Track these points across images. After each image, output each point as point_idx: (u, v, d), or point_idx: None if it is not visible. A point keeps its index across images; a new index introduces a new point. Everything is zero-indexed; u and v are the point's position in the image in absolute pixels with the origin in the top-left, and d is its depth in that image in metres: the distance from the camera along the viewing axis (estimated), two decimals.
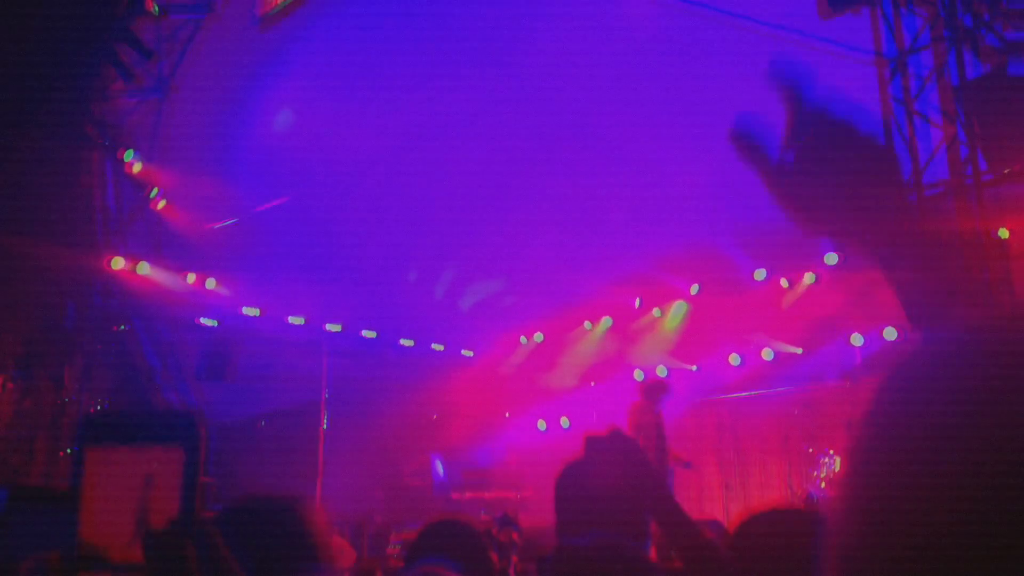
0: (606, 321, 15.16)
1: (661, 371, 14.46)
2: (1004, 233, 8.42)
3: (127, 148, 11.52)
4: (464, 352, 16.06)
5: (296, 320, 13.35)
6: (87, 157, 11.48)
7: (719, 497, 12.81)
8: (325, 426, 13.03)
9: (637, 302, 14.70)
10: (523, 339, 16.01)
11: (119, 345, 12.12)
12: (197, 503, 1.54)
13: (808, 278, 12.76)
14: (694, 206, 12.28)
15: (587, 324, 15.35)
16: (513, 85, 11.53)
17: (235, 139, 11.63)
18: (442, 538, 2.83)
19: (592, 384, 15.40)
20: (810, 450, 11.61)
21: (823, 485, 10.97)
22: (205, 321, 12.64)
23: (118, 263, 11.49)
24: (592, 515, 2.42)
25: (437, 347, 15.66)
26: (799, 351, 12.82)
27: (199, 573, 1.47)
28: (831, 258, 12.31)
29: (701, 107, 11.28)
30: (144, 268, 11.71)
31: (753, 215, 11.99)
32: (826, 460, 11.05)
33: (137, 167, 11.65)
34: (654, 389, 10.27)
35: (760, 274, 13.14)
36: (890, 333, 11.53)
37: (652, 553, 2.77)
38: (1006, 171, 8.05)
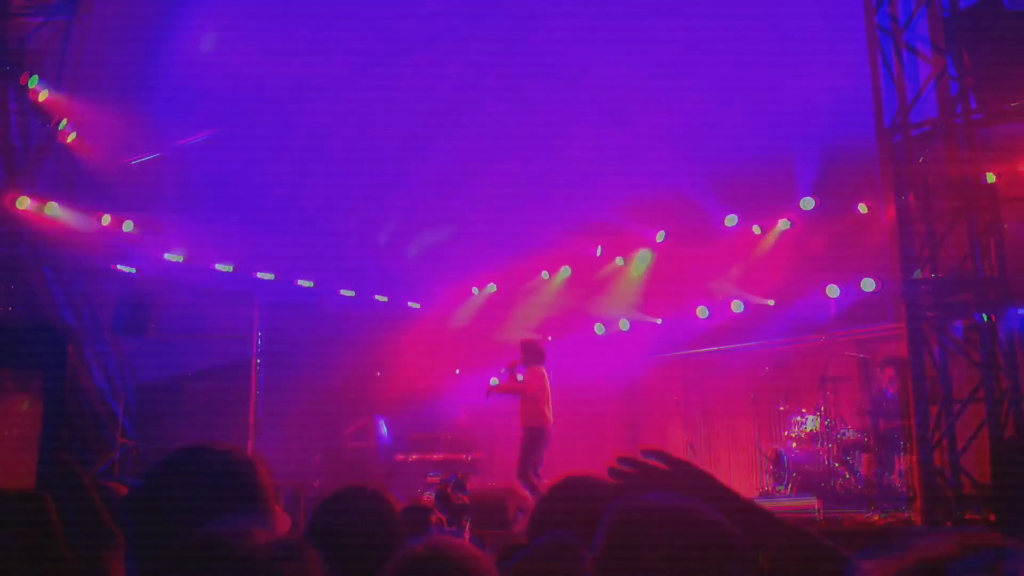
0: (565, 271, 15.10)
1: (624, 325, 14.46)
2: (991, 177, 8.42)
3: (32, 74, 11.05)
4: (411, 304, 15.91)
5: (224, 268, 13.03)
6: None
7: (683, 457, 12.91)
8: (257, 385, 12.84)
9: (598, 251, 14.65)
10: (475, 290, 15.89)
11: (27, 297, 11.75)
12: (62, 447, 1.32)
13: (782, 224, 12.78)
14: (660, 146, 12.18)
15: (544, 274, 15.28)
16: (464, 11, 11.26)
17: (155, 65, 11.20)
18: (345, 512, 2.73)
19: (549, 339, 15.34)
20: (781, 408, 11.70)
21: (794, 445, 11.07)
22: (122, 268, 12.28)
23: (24, 203, 11.07)
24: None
25: (381, 298, 15.47)
26: (771, 303, 12.88)
27: (64, 539, 1.25)
28: (807, 203, 12.33)
29: (667, 41, 11.15)
30: (53, 209, 11.31)
31: (724, 156, 11.98)
32: (798, 419, 11.14)
33: (43, 95, 11.19)
34: (541, 352, 10.98)
35: (731, 220, 13.14)
36: (868, 284, 11.61)
37: None
38: (1004, 108, 8.02)
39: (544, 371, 10.82)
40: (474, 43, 11.51)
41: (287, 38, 11.05)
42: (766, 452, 11.56)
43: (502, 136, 12.19)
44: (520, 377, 10.98)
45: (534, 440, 10.41)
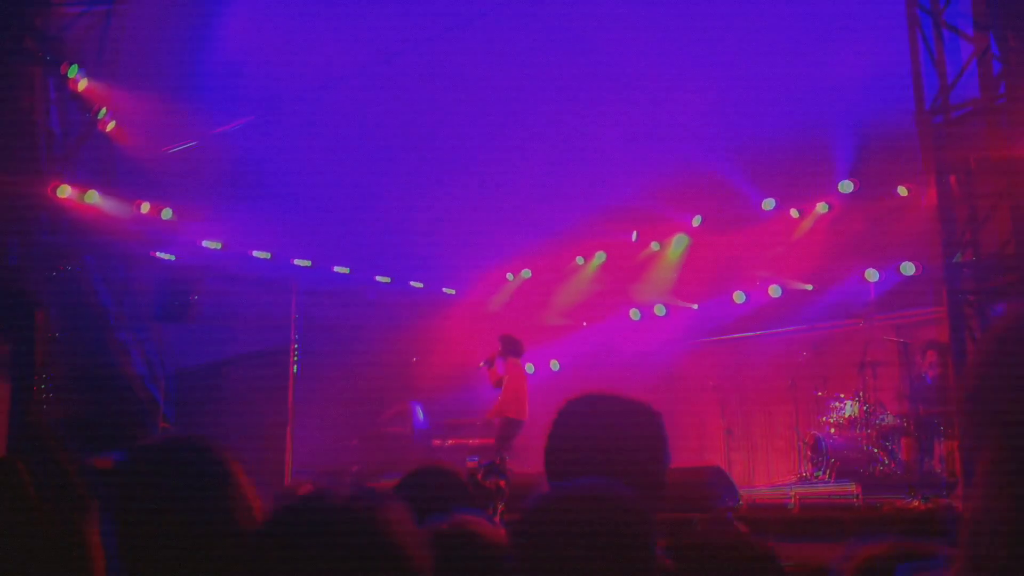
0: (600, 256, 15.11)
1: (660, 310, 14.47)
2: None
3: (71, 63, 11.21)
4: (446, 290, 16.00)
5: (262, 255, 13.19)
6: (27, 74, 11.17)
7: (720, 443, 12.92)
8: (295, 371, 13.00)
9: (634, 236, 14.64)
10: (509, 276, 15.95)
11: (69, 284, 11.96)
12: (32, 411, 1.30)
13: (820, 208, 12.72)
14: (696, 130, 12.15)
15: (579, 260, 15.30)
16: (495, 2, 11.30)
17: (193, 53, 11.34)
18: (424, 487, 2.81)
19: (584, 324, 15.41)
20: (819, 394, 11.67)
21: (833, 431, 11.05)
22: (162, 255, 12.47)
23: (65, 192, 11.25)
24: (587, 464, 2.37)
25: (416, 284, 15.58)
26: (809, 288, 12.84)
27: (38, 505, 1.25)
28: (846, 186, 12.26)
29: (703, 21, 11.10)
30: (93, 197, 11.49)
31: (761, 140, 11.93)
32: (836, 405, 11.11)
33: (83, 85, 11.36)
34: (520, 346, 11.35)
35: (768, 204, 13.09)
36: (908, 268, 11.54)
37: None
38: None
39: (522, 364, 11.17)
40: (507, 26, 11.53)
41: (323, 23, 11.14)
42: (804, 438, 11.55)
43: (536, 120, 12.22)
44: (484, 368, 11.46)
45: (511, 429, 10.67)
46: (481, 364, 11.57)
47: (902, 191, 11.61)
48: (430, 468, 2.98)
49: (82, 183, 11.56)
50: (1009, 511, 0.75)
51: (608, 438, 2.34)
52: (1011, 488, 0.76)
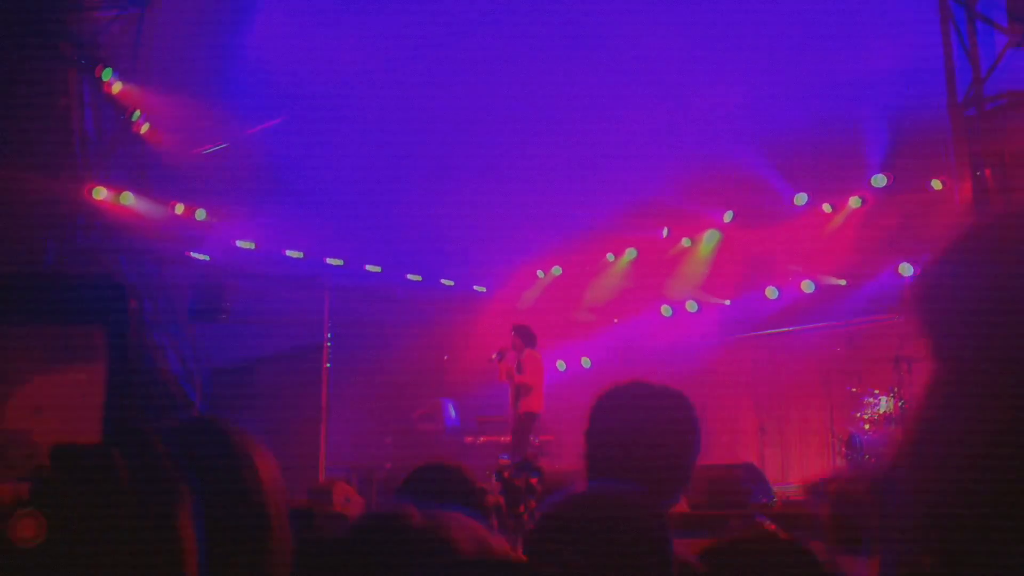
0: (631, 253, 15.09)
1: (691, 306, 14.44)
2: None
3: (105, 67, 11.37)
4: (476, 288, 16.05)
5: (294, 254, 13.33)
6: (62, 77, 11.35)
7: (754, 440, 12.88)
8: (328, 369, 13.09)
9: (665, 232, 14.61)
10: (540, 273, 15.98)
11: None
12: (127, 401, 1.29)
13: (853, 202, 12.64)
14: (727, 125, 12.12)
15: (610, 256, 15.29)
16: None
17: (224, 54, 11.47)
18: (427, 484, 2.83)
19: (615, 321, 15.41)
20: (853, 390, 11.60)
21: (867, 427, 10.99)
22: (195, 255, 12.63)
23: (100, 193, 11.42)
24: (622, 461, 2.42)
25: (447, 282, 15.65)
26: (842, 283, 12.76)
27: (132, 494, 1.24)
28: (878, 180, 12.18)
29: (733, 13, 11.06)
30: (128, 198, 11.66)
31: (792, 134, 11.86)
32: (871, 401, 11.05)
33: (117, 87, 11.52)
34: (535, 336, 11.04)
35: (800, 199, 13.02)
36: None
37: (684, 505, 2.81)
38: None
39: (539, 354, 10.89)
40: (537, 21, 11.55)
41: (353, 22, 11.22)
42: (839, 434, 11.49)
43: (567, 117, 12.24)
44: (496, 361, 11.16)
45: (534, 423, 10.50)
46: (493, 356, 11.33)
47: (936, 185, 11.50)
48: (434, 465, 2.99)
49: (117, 184, 11.73)
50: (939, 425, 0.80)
51: (644, 424, 2.40)
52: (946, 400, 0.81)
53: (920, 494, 0.75)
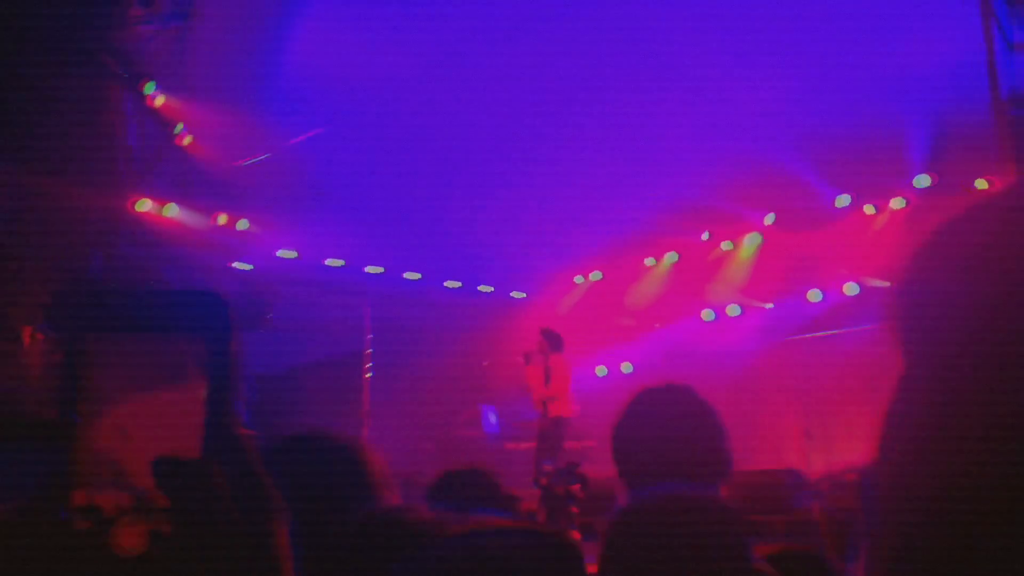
0: (671, 257, 15.04)
1: (733, 310, 14.35)
2: None
3: (148, 80, 11.56)
4: (514, 294, 16.09)
5: (335, 263, 13.45)
6: (106, 91, 11.54)
7: (799, 446, 12.77)
8: (369, 376, 13.19)
9: (705, 235, 14.55)
10: (579, 278, 15.98)
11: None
12: (227, 414, 1.29)
13: (896, 203, 12.51)
14: (766, 126, 12.05)
15: (650, 260, 15.25)
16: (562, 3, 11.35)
17: (265, 66, 11.61)
18: (456, 488, 2.87)
19: (656, 326, 15.36)
20: None
21: None
22: (239, 265, 12.79)
23: (144, 205, 11.61)
24: (657, 463, 2.45)
25: (485, 289, 15.70)
26: (886, 284, 12.61)
27: (231, 506, 1.28)
28: (922, 180, 12.04)
29: (772, 8, 10.98)
30: (172, 210, 11.83)
31: (833, 133, 11.77)
32: None
33: (159, 101, 11.70)
34: (562, 339, 10.87)
35: (842, 200, 12.90)
36: None
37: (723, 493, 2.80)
38: None
39: (566, 359, 10.78)
40: (572, 24, 11.56)
41: (392, 31, 11.30)
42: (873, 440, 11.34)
43: (604, 120, 12.23)
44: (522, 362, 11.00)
45: (564, 429, 10.42)
46: (521, 357, 11.18)
47: (981, 184, 11.35)
48: (464, 470, 3.03)
49: (160, 196, 11.91)
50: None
51: (661, 424, 2.44)
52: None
53: (891, 492, 0.78)
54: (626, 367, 15.21)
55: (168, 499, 1.26)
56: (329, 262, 13.43)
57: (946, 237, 0.91)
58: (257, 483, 1.33)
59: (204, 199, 12.35)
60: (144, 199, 11.67)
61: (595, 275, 15.81)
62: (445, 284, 15.19)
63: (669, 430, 2.48)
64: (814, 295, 13.34)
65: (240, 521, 1.30)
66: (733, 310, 14.44)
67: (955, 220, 0.92)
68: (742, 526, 1.71)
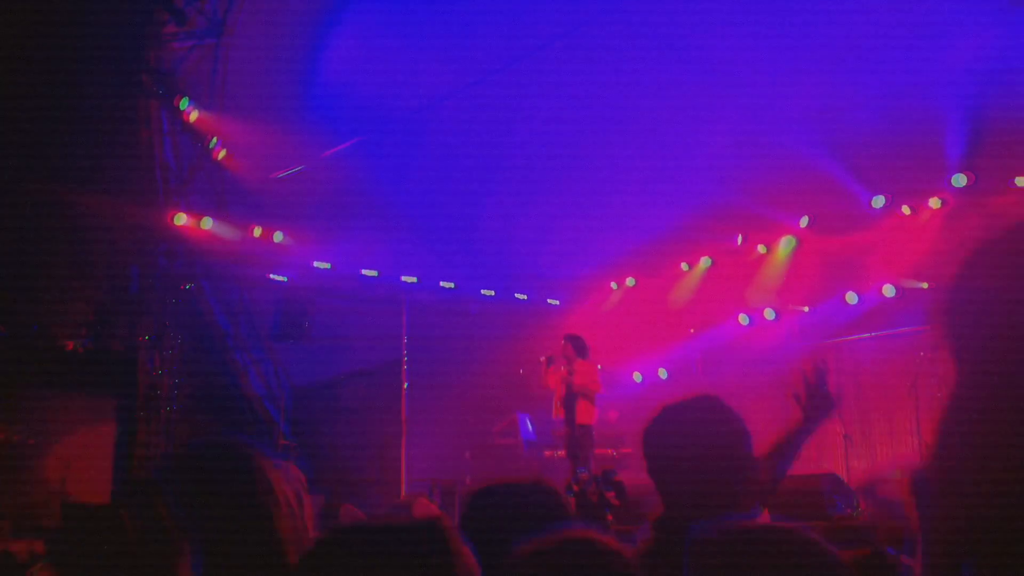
0: (705, 262, 14.99)
1: (769, 314, 14.27)
2: None
3: (183, 96, 11.73)
4: (550, 301, 16.10)
5: (370, 273, 13.54)
6: (143, 107, 11.75)
7: (838, 449, 12.65)
8: (406, 385, 13.26)
9: (739, 239, 14.47)
10: (614, 285, 15.96)
11: (188, 307, 12.46)
12: (134, 463, 1.38)
13: (933, 203, 12.37)
14: (799, 127, 11.98)
15: (684, 266, 15.21)
16: (591, 4, 11.37)
17: (299, 80, 11.75)
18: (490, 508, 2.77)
19: (692, 331, 15.30)
20: (941, 396, 11.31)
21: None
22: (275, 277, 12.92)
23: (181, 219, 11.77)
24: (693, 488, 2.46)
25: (520, 296, 15.73)
26: (925, 286, 12.48)
27: (137, 549, 1.33)
28: (959, 180, 11.90)
29: (805, 14, 10.94)
30: (208, 223, 11.99)
31: (867, 134, 11.67)
32: None
33: (194, 116, 11.88)
34: (587, 345, 10.64)
35: (878, 201, 12.79)
36: None
37: (765, 516, 2.82)
38: None
39: (593, 365, 10.60)
40: (609, 33, 11.58)
41: (426, 44, 11.39)
42: (927, 442, 11.21)
43: (638, 127, 12.23)
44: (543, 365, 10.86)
45: (590, 438, 10.34)
46: (542, 359, 11.01)
47: (1020, 182, 11.22)
48: (492, 487, 2.89)
49: (197, 210, 12.08)
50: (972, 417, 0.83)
51: (692, 440, 2.46)
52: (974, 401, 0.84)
53: (948, 494, 0.80)
54: (662, 372, 15.17)
55: (78, 544, 1.32)
56: (364, 272, 13.53)
57: (1002, 244, 0.92)
58: (162, 528, 1.41)
59: (240, 212, 12.50)
60: (181, 213, 11.84)
61: (629, 281, 15.79)
62: (481, 292, 15.23)
63: (698, 448, 2.50)
64: (851, 298, 13.22)
65: (145, 565, 1.37)
66: (769, 314, 14.34)
67: (1009, 227, 0.93)
68: (843, 571, 1.57)
